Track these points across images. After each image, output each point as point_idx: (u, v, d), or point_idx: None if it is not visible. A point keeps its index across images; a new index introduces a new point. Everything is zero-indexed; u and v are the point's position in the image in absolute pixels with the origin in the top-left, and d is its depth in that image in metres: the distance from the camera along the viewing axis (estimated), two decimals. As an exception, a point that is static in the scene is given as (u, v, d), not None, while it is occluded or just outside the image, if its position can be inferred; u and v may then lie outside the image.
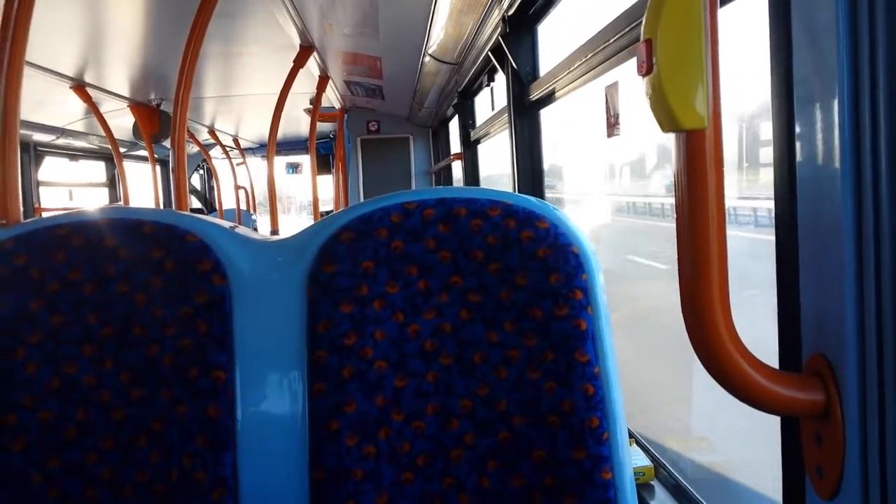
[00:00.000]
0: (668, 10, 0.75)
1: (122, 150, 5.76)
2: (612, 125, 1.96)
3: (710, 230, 0.79)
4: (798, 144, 0.87)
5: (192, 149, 8.14)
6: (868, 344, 0.78)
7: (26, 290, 1.08)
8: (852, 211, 0.78)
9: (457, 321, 1.04)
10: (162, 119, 5.29)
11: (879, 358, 0.77)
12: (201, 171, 10.20)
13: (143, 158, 6.68)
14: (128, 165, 6.03)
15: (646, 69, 0.76)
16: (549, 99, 2.74)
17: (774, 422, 1.01)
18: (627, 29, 1.77)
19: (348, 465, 1.02)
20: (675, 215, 0.82)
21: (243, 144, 9.16)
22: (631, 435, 2.25)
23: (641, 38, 0.77)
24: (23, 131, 5.13)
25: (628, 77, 1.92)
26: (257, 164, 9.83)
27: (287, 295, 1.06)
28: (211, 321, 1.06)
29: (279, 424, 1.05)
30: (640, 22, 0.78)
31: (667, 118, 0.76)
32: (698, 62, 0.75)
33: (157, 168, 5.97)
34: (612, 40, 1.88)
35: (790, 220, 0.91)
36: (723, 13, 0.80)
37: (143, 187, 6.93)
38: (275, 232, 5.12)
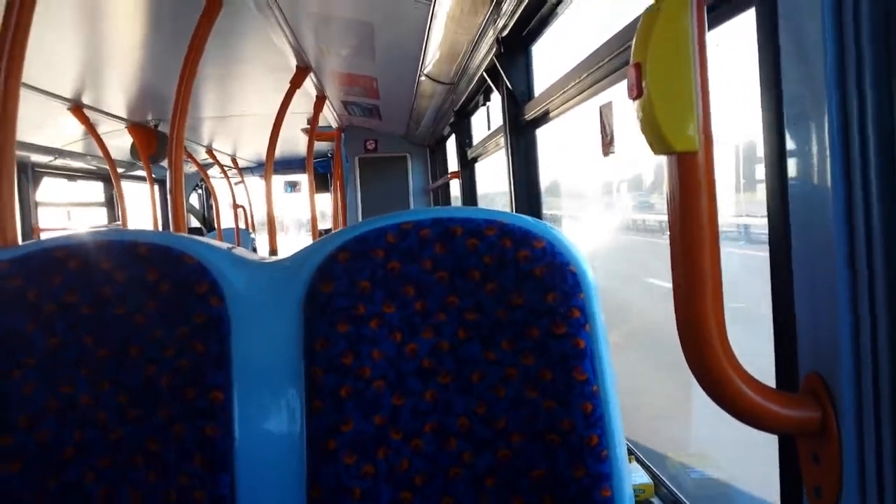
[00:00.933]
0: (657, 35, 0.75)
1: (120, 170, 5.77)
2: (608, 144, 1.97)
3: (704, 250, 0.79)
4: (789, 162, 0.87)
5: (191, 168, 8.15)
6: (863, 362, 0.78)
7: (23, 312, 1.08)
8: (844, 228, 0.78)
9: (454, 340, 1.04)
10: (160, 139, 5.30)
11: (875, 376, 0.77)
12: (199, 191, 10.21)
13: (142, 178, 6.69)
14: (126, 185, 6.03)
15: (636, 93, 0.77)
16: (544, 118, 2.75)
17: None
18: (621, 49, 1.78)
19: (346, 485, 1.02)
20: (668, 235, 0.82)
21: (241, 164, 9.18)
22: (630, 452, 2.24)
23: (631, 62, 0.78)
24: (21, 152, 5.15)
25: (623, 96, 1.93)
26: (256, 183, 9.85)
27: (284, 315, 1.07)
28: (208, 342, 1.06)
29: (277, 444, 1.05)
30: (632, 44, 0.79)
31: (658, 141, 0.77)
32: (688, 85, 0.75)
33: (156, 188, 5.98)
34: (605, 60, 1.89)
35: (784, 238, 0.91)
36: (712, 35, 0.80)
37: (141, 207, 6.93)
38: (273, 252, 5.12)
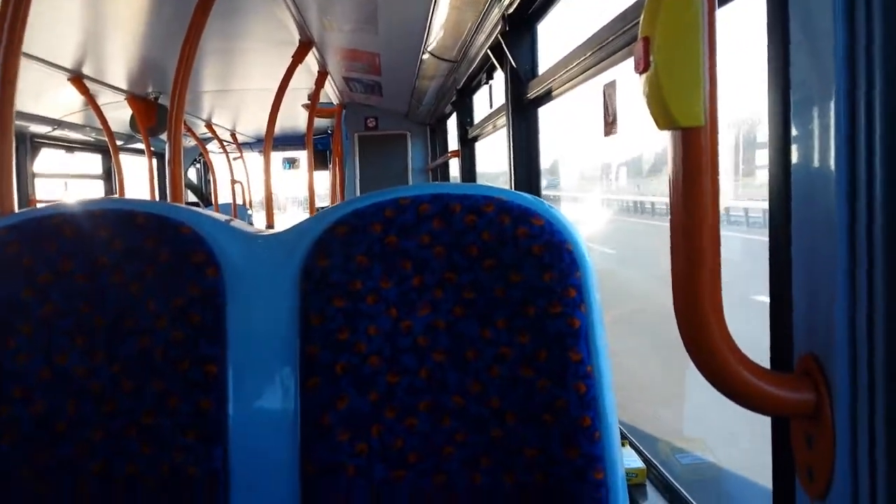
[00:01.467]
0: (666, 9, 0.75)
1: (118, 142, 5.75)
2: (610, 124, 1.96)
3: (704, 229, 0.79)
4: (794, 146, 0.87)
5: (189, 142, 8.13)
6: (859, 345, 0.78)
7: (18, 279, 1.07)
8: (846, 212, 0.78)
9: (450, 317, 1.04)
10: (159, 112, 5.28)
11: (870, 359, 0.77)
12: (198, 166, 10.19)
13: (140, 151, 6.67)
14: (124, 158, 6.01)
15: (643, 67, 0.76)
16: (547, 97, 2.74)
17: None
18: (625, 28, 1.77)
19: (340, 461, 1.02)
20: (668, 213, 0.82)
21: (241, 139, 9.16)
22: (624, 436, 2.25)
23: (639, 36, 0.77)
24: (19, 122, 5.13)
25: (627, 76, 1.92)
26: (254, 158, 9.83)
27: (280, 288, 1.06)
28: (203, 313, 1.06)
29: (271, 419, 1.05)
30: (638, 21, 0.78)
31: (663, 115, 0.76)
32: (695, 60, 0.75)
33: (154, 161, 5.96)
34: (610, 39, 1.88)
35: (784, 220, 0.91)
36: (721, 12, 0.80)
37: (139, 181, 6.92)
38: (270, 227, 5.11)
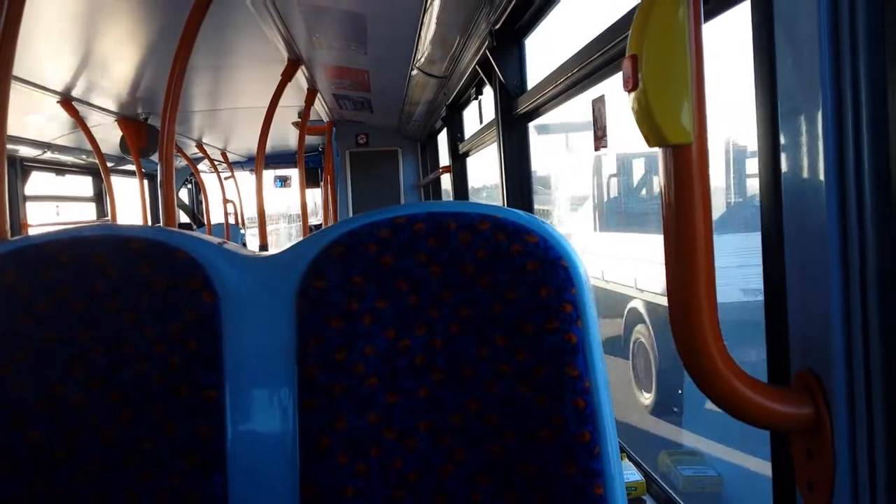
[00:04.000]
0: (653, 26, 0.75)
1: (109, 164, 5.74)
2: (600, 138, 1.97)
3: (698, 243, 0.79)
4: (783, 157, 0.87)
5: (180, 163, 8.12)
6: (855, 358, 0.79)
7: (15, 307, 1.07)
8: (837, 224, 0.78)
9: (447, 336, 1.03)
10: (149, 133, 5.28)
11: (867, 372, 0.77)
12: (189, 186, 10.17)
13: (131, 173, 6.65)
14: (115, 180, 6.00)
15: (631, 85, 0.77)
16: (536, 112, 2.75)
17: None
18: (614, 43, 1.78)
19: (340, 483, 1.01)
20: (661, 228, 0.82)
21: (231, 158, 9.15)
22: (623, 449, 2.25)
23: (627, 54, 0.77)
24: (9, 146, 5.11)
25: (615, 90, 1.93)
26: (246, 177, 9.82)
27: (277, 311, 1.06)
28: (200, 339, 1.05)
29: (270, 442, 1.05)
30: (626, 36, 0.78)
31: (653, 133, 0.77)
32: (683, 77, 0.75)
33: (145, 182, 5.95)
34: (599, 54, 1.89)
35: (777, 233, 0.91)
36: (707, 28, 0.80)
37: (131, 202, 6.90)
38: (263, 247, 5.11)
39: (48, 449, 1.04)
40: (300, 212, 5.36)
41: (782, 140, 0.87)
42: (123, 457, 1.04)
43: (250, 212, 9.80)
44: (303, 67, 3.97)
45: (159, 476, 1.03)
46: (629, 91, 0.78)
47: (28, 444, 1.04)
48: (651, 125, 0.76)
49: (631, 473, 2.12)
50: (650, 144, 0.78)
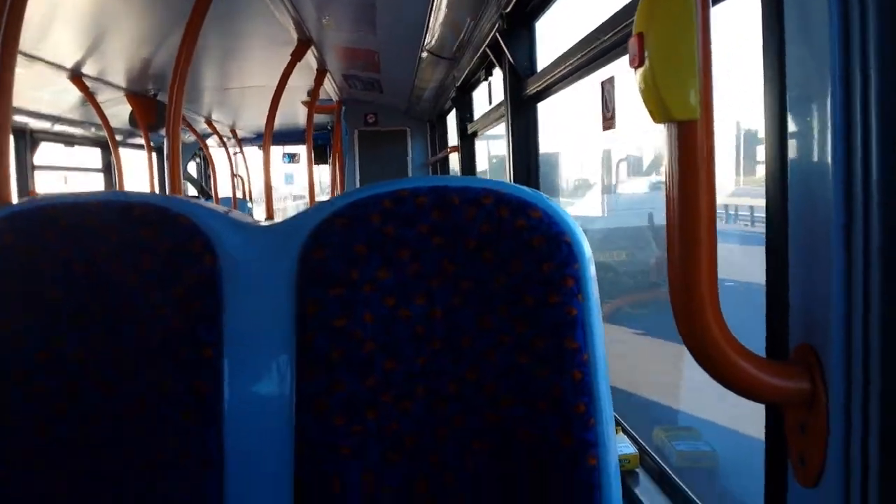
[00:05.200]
0: (661, 4, 0.76)
1: (118, 137, 5.75)
2: (609, 119, 1.97)
3: (701, 220, 0.80)
4: (791, 141, 0.88)
5: (190, 138, 8.11)
6: (854, 335, 0.79)
7: (15, 267, 1.09)
8: (842, 204, 0.79)
9: (448, 307, 1.05)
10: (159, 108, 5.27)
11: (865, 348, 0.78)
12: (198, 160, 10.17)
13: (140, 146, 6.66)
14: (124, 153, 6.01)
15: (638, 62, 0.78)
16: (546, 93, 2.74)
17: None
18: (624, 24, 1.78)
19: (335, 442, 1.03)
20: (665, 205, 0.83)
21: (240, 134, 9.13)
22: (617, 423, 2.27)
23: (633, 32, 0.78)
24: (20, 118, 5.12)
25: (625, 71, 1.93)
26: (255, 153, 9.81)
27: (278, 277, 1.07)
28: (201, 302, 1.07)
29: (266, 402, 1.06)
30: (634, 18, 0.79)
31: (658, 109, 0.77)
32: (690, 54, 0.76)
33: (154, 156, 5.96)
34: (608, 36, 1.89)
35: (781, 213, 0.92)
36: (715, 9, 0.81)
37: (139, 175, 6.91)
38: (270, 219, 5.11)
39: (50, 401, 1.06)
40: (307, 188, 5.36)
41: (790, 123, 0.87)
42: (122, 411, 1.06)
43: (259, 189, 9.80)
44: (312, 48, 3.95)
45: (157, 429, 1.05)
46: (635, 68, 0.79)
47: (30, 396, 1.07)
48: (657, 101, 0.77)
49: (625, 446, 2.14)
50: (655, 120, 0.79)
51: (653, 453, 2.15)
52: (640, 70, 0.77)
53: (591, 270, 1.04)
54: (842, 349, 0.80)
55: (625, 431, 2.27)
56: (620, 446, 2.11)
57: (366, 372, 1.04)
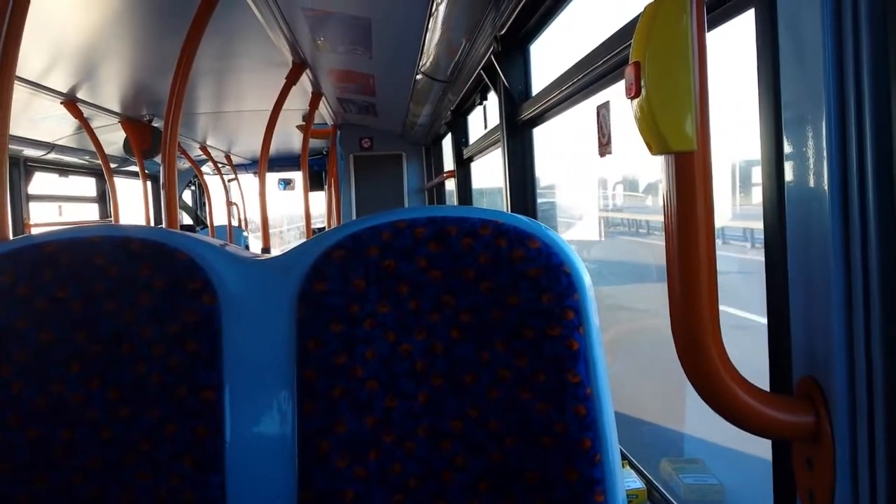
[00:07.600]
0: (656, 34, 0.75)
1: (112, 165, 5.76)
2: (605, 144, 1.96)
3: (700, 251, 0.79)
4: (786, 165, 0.87)
5: (184, 164, 8.13)
6: (857, 367, 0.78)
7: (13, 307, 1.07)
8: (840, 232, 0.78)
9: (448, 341, 1.03)
10: (153, 135, 5.29)
11: (869, 381, 0.77)
12: (193, 188, 10.19)
13: (134, 174, 6.68)
14: (119, 181, 6.02)
15: (634, 92, 0.77)
16: (541, 118, 2.74)
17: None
18: (619, 49, 1.77)
19: (338, 487, 1.01)
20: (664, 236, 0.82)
21: (235, 160, 9.17)
22: (624, 457, 2.24)
23: (630, 61, 0.77)
24: (13, 146, 5.12)
25: (620, 96, 1.93)
26: (249, 180, 9.84)
27: (277, 313, 1.06)
28: (200, 340, 1.05)
29: (268, 445, 1.04)
30: (630, 43, 0.78)
31: (656, 140, 0.77)
32: (686, 85, 0.75)
33: (148, 184, 5.96)
34: (603, 60, 1.89)
35: (780, 240, 0.91)
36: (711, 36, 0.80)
37: (133, 203, 6.91)
38: (266, 250, 5.11)
39: (47, 447, 1.04)
40: (303, 215, 5.37)
41: (786, 148, 0.87)
42: (121, 456, 1.04)
43: (254, 216, 9.81)
44: (307, 71, 3.97)
45: (157, 476, 1.03)
46: (632, 98, 0.78)
47: (27, 442, 1.04)
48: (653, 132, 0.76)
49: (632, 481, 2.11)
50: (652, 152, 0.78)
51: (661, 487, 2.13)
52: (637, 101, 0.76)
53: (592, 301, 1.02)
54: (845, 382, 0.79)
55: (632, 465, 2.24)
56: (627, 481, 2.08)
57: (367, 410, 1.02)
